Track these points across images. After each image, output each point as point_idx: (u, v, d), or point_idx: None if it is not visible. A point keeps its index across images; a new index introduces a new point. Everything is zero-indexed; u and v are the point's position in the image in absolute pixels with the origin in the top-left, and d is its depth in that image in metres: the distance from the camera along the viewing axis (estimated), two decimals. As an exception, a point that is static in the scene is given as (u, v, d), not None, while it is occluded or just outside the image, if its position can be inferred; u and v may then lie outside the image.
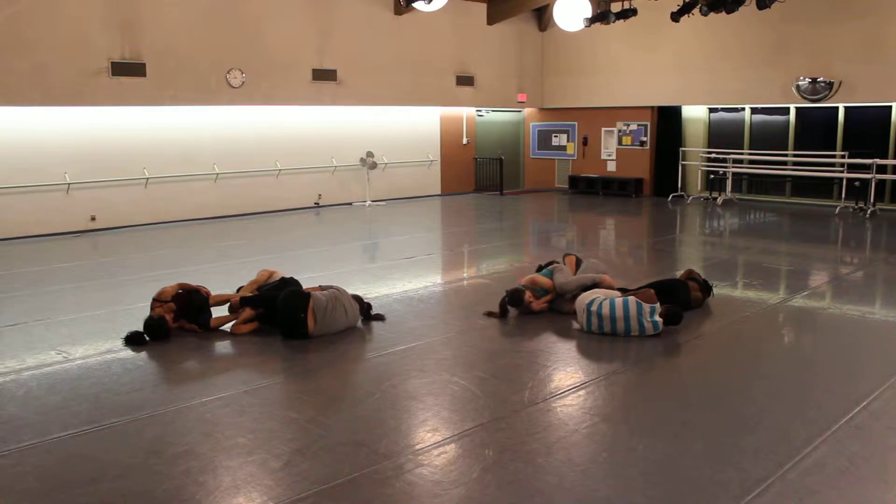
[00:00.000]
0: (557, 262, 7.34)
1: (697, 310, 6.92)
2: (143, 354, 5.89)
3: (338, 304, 6.27)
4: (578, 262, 7.40)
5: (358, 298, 6.64)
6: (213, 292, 6.67)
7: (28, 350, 5.96)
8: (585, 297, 6.33)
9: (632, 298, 6.14)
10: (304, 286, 6.69)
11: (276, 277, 6.95)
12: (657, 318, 6.09)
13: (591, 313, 6.16)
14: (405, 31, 15.52)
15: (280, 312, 6.20)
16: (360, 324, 6.56)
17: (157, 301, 6.33)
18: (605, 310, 6.09)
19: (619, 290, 6.77)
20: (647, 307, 6.07)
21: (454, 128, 17.63)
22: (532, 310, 6.82)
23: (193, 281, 6.89)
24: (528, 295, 6.82)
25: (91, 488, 3.69)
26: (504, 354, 5.85)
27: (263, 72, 13.50)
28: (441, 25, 16.05)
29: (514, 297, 6.76)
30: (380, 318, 6.73)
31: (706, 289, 7.24)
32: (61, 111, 11.82)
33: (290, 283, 6.80)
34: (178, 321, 6.36)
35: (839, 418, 4.43)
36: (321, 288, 6.54)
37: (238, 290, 6.93)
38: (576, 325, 6.42)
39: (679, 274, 7.66)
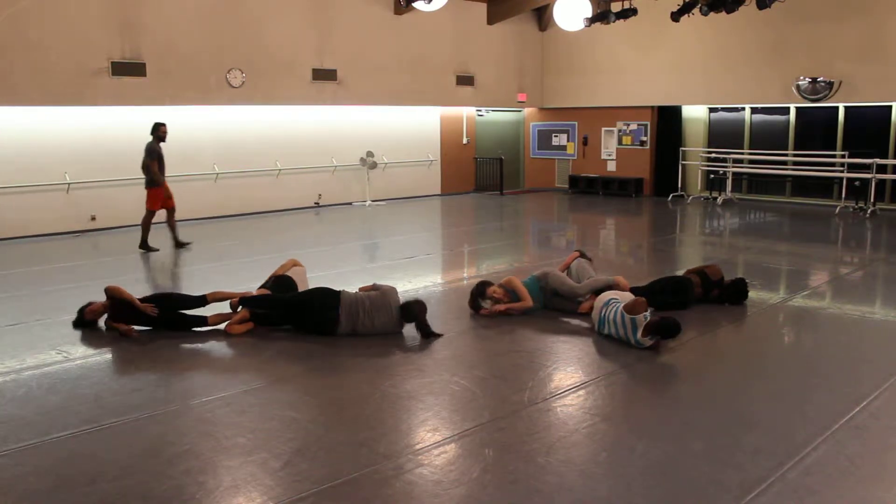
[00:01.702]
0: (581, 257, 7.42)
1: (697, 310, 6.91)
2: (143, 355, 5.89)
3: (365, 307, 6.14)
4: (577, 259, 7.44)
5: (408, 309, 6.19)
6: (213, 290, 6.68)
7: (28, 350, 5.96)
8: (604, 297, 6.26)
9: (619, 308, 5.90)
10: (351, 286, 6.63)
11: (293, 270, 7.03)
12: (639, 337, 5.68)
13: (603, 316, 6.06)
14: (405, 31, 15.52)
15: (311, 309, 6.19)
16: (403, 331, 6.33)
17: (106, 294, 6.43)
18: (610, 315, 6.01)
19: (632, 289, 6.73)
20: (628, 319, 5.74)
21: (454, 128, 17.63)
22: (492, 310, 6.77)
23: (193, 281, 6.89)
24: (493, 289, 6.82)
25: (91, 488, 3.69)
26: (504, 354, 5.85)
27: (263, 72, 13.50)
28: (441, 25, 16.05)
29: (479, 288, 6.85)
30: (433, 334, 6.17)
31: (722, 297, 7.17)
32: (61, 111, 11.82)
33: (284, 283, 6.79)
34: (115, 321, 6.34)
35: (839, 418, 4.43)
36: (374, 287, 6.47)
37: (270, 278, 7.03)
38: (588, 324, 6.41)
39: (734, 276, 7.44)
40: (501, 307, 6.79)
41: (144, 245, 10.42)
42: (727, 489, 3.60)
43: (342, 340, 6.08)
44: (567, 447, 4.11)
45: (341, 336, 6.14)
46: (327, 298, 6.22)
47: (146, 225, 10.47)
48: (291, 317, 6.32)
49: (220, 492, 3.65)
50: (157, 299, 6.46)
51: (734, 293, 7.17)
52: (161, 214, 10.52)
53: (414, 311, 6.19)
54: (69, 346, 6.06)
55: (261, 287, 6.83)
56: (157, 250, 10.36)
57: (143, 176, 10.35)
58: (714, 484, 3.66)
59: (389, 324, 6.19)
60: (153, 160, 10.24)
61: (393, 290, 6.37)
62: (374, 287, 6.47)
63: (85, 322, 6.46)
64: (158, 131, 10.35)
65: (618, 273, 7.59)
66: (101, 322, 6.51)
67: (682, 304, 6.83)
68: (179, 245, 10.61)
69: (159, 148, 10.34)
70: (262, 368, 5.52)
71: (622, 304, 5.91)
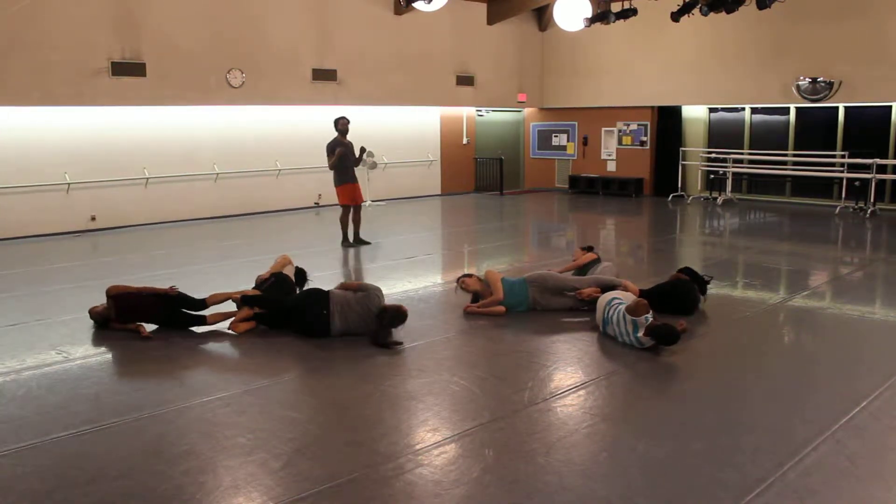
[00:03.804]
0: (596, 255, 7.51)
1: (697, 310, 6.90)
2: (143, 354, 5.89)
3: (354, 305, 6.13)
4: (595, 262, 7.42)
5: (382, 314, 6.05)
6: (212, 292, 6.67)
7: (28, 350, 5.96)
8: (607, 297, 6.25)
9: (622, 309, 5.90)
10: (343, 284, 6.61)
11: (291, 267, 7.06)
12: (640, 335, 5.68)
13: (607, 316, 6.05)
14: (405, 31, 15.52)
15: (301, 311, 6.18)
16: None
17: (107, 295, 6.40)
18: (610, 315, 6.01)
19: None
20: (629, 319, 5.76)
21: (454, 128, 17.63)
22: (468, 309, 6.84)
23: (194, 281, 6.89)
24: (463, 280, 6.89)
25: (91, 488, 3.69)
26: (504, 354, 5.85)
27: (263, 72, 13.50)
28: (441, 25, 16.05)
29: (458, 278, 7.04)
30: (394, 344, 5.96)
31: (703, 290, 7.15)
32: (61, 111, 11.82)
33: (284, 282, 6.80)
34: (120, 322, 6.32)
35: (839, 418, 4.43)
36: (357, 285, 6.43)
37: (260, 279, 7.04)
38: (588, 322, 6.41)
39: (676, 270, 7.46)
40: (478, 307, 6.85)
41: (345, 241, 10.75)
42: (727, 489, 3.60)
43: (341, 341, 6.08)
44: (567, 447, 4.11)
45: (336, 336, 6.12)
46: (317, 299, 6.19)
47: (342, 221, 10.79)
48: (287, 320, 6.31)
49: (220, 492, 3.65)
50: (163, 294, 6.47)
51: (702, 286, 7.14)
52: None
53: (385, 319, 6.00)
54: (69, 346, 6.05)
55: (254, 287, 6.82)
56: (353, 245, 10.66)
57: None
58: (714, 484, 3.66)
59: (371, 325, 6.07)
60: (329, 156, 10.47)
61: (376, 293, 6.22)
62: (360, 287, 6.37)
63: (99, 322, 6.47)
64: (337, 125, 10.56)
65: (620, 274, 7.59)
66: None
67: (689, 311, 6.76)
68: (359, 242, 10.76)
69: (341, 143, 10.50)
70: (262, 368, 5.52)
71: (624, 305, 5.91)
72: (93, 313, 6.51)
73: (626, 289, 6.63)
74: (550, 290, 6.87)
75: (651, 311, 5.78)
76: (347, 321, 6.13)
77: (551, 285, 6.88)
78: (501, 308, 6.82)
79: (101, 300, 6.55)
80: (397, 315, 6.05)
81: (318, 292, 6.32)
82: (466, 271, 7.40)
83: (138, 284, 6.74)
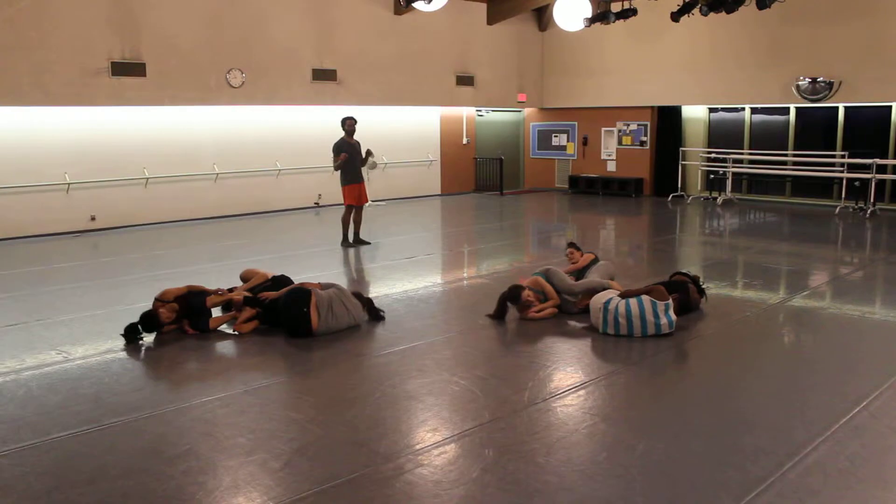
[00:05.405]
0: (587, 254, 7.51)
1: (697, 310, 6.90)
2: (144, 354, 5.90)
3: (339, 301, 6.29)
4: (593, 262, 7.40)
5: (358, 295, 6.67)
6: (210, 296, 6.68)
7: (28, 350, 5.96)
8: (601, 298, 6.27)
9: (645, 297, 6.07)
10: (301, 284, 6.69)
11: (261, 277, 7.03)
12: (671, 314, 6.09)
13: (608, 312, 6.09)
14: (405, 31, 15.52)
15: (283, 310, 6.22)
16: (363, 324, 6.52)
17: (160, 301, 6.32)
18: (622, 309, 6.04)
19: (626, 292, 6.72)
20: (661, 304, 6.05)
21: (454, 128, 17.63)
22: (529, 315, 6.67)
23: (194, 281, 6.90)
24: (526, 293, 6.71)
25: (91, 488, 3.69)
26: (504, 354, 5.85)
27: (263, 72, 13.50)
28: (441, 25, 16.05)
29: (512, 293, 6.65)
30: (380, 316, 6.70)
31: (701, 292, 7.17)
32: (61, 111, 11.81)
33: (282, 282, 6.83)
34: (180, 322, 6.36)
35: (839, 418, 4.43)
36: (320, 286, 6.56)
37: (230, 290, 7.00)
38: (586, 323, 6.41)
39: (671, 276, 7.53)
40: (538, 312, 6.69)
41: (345, 241, 10.79)
42: (727, 489, 3.60)
43: (343, 341, 6.08)
44: (567, 447, 4.11)
45: (320, 335, 6.14)
46: (299, 297, 6.21)
47: (344, 221, 10.83)
48: (275, 318, 6.36)
49: (220, 492, 3.65)
50: (192, 294, 6.49)
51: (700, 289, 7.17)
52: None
53: (359, 294, 6.73)
54: (69, 346, 6.06)
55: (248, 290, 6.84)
56: (353, 245, 10.72)
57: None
58: (714, 484, 3.66)
59: (358, 314, 6.49)
60: (335, 157, 10.48)
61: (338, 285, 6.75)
62: (322, 286, 6.59)
63: (155, 327, 6.24)
64: (344, 126, 10.61)
65: (619, 274, 7.60)
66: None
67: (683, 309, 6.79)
68: (359, 242, 10.83)
69: (347, 144, 10.52)
70: (261, 368, 5.53)
71: (647, 296, 6.10)
72: (161, 316, 6.18)
73: (612, 287, 6.70)
74: (553, 288, 6.89)
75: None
76: (335, 315, 6.20)
77: (552, 281, 6.88)
78: (555, 310, 6.80)
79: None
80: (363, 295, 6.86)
81: (300, 291, 6.33)
82: (519, 283, 6.91)
83: (139, 285, 6.74)
